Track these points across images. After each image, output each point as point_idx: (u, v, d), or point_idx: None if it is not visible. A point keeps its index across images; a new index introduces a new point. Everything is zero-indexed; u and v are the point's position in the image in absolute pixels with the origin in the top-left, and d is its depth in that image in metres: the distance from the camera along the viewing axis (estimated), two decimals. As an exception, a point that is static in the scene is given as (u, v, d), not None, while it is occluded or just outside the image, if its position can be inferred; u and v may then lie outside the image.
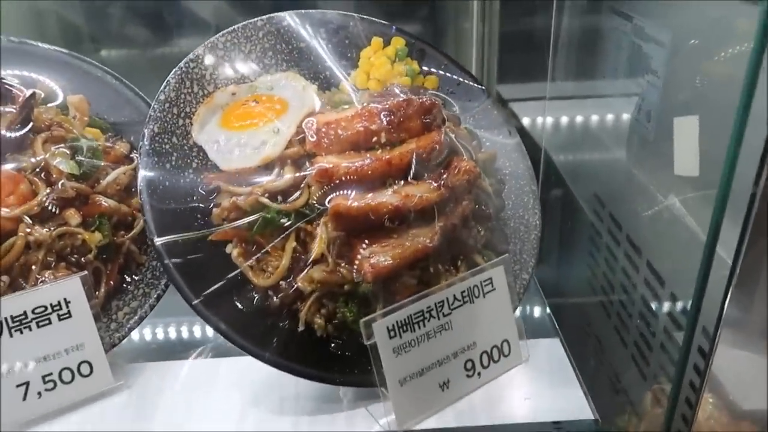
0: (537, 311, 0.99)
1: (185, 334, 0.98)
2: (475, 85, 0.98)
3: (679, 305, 0.79)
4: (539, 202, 0.94)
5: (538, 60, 1.32)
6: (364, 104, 0.79)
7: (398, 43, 0.95)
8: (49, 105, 0.86)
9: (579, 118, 1.26)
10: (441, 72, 0.97)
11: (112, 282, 0.84)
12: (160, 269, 0.87)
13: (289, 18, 0.91)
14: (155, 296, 0.85)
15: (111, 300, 0.84)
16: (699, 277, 0.68)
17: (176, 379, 0.83)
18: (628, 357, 0.94)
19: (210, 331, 0.96)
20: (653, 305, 0.86)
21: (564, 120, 1.26)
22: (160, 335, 0.97)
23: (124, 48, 1.26)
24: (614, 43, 1.03)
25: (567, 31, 1.20)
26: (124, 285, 0.86)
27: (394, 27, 0.97)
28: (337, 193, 0.72)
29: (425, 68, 0.96)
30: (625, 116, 1.05)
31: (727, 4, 0.68)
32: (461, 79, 0.96)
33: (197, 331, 0.97)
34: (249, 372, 0.82)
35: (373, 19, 0.97)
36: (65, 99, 0.89)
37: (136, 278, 0.87)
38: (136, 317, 0.84)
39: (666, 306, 0.83)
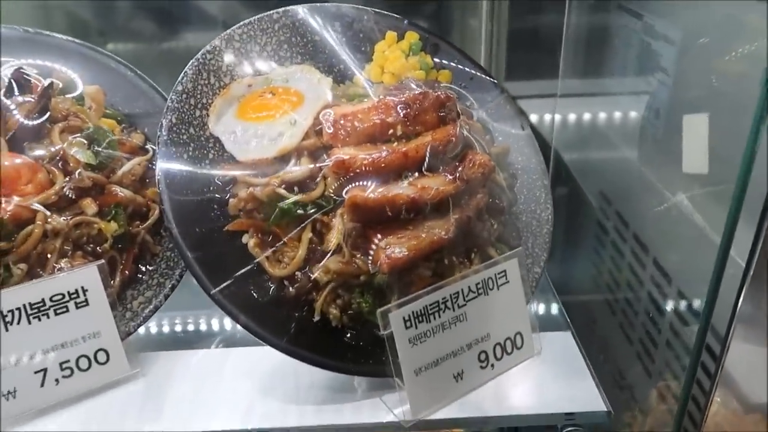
0: (549, 306, 1.00)
1: (191, 327, 0.99)
2: (488, 79, 0.98)
3: (686, 303, 0.79)
4: (551, 197, 0.95)
5: (546, 58, 1.33)
6: (381, 97, 0.80)
7: (412, 37, 0.95)
8: (67, 96, 0.86)
9: (587, 116, 1.27)
10: (454, 66, 0.98)
11: (127, 272, 0.85)
12: (174, 260, 0.88)
13: (304, 11, 0.92)
14: (170, 286, 0.86)
15: (126, 289, 0.85)
16: (713, 277, 0.69)
17: (188, 368, 0.84)
18: (633, 354, 0.95)
19: (217, 324, 0.97)
20: (659, 302, 0.87)
21: (571, 117, 1.27)
22: (166, 328, 0.97)
23: (130, 42, 1.26)
24: (624, 42, 1.04)
25: (577, 30, 1.21)
26: (139, 275, 0.86)
27: (406, 21, 0.98)
28: (354, 185, 0.73)
29: (438, 62, 0.97)
30: (633, 114, 1.06)
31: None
32: (474, 72, 0.97)
33: (204, 324, 0.98)
34: (262, 362, 0.83)
35: (387, 12, 0.98)
36: (82, 89, 0.90)
37: (150, 268, 0.87)
38: (151, 306, 0.84)
39: (672, 303, 0.84)
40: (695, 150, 0.83)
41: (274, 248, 0.75)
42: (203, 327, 0.99)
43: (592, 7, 1.14)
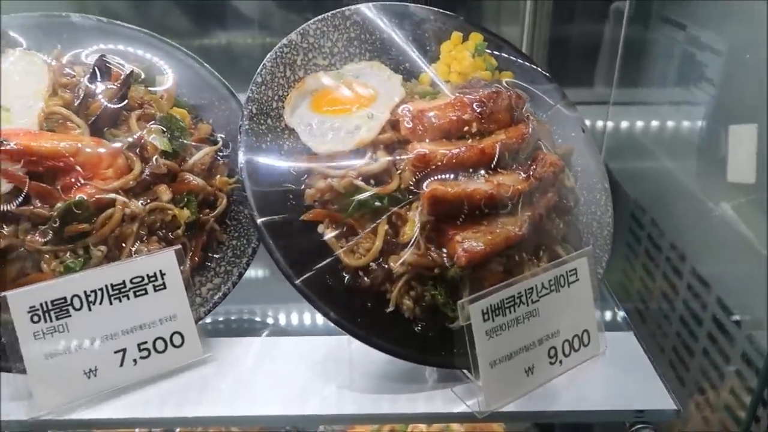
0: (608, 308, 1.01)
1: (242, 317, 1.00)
2: (548, 82, 1.00)
3: (728, 312, 0.80)
4: (611, 199, 0.96)
5: (585, 66, 1.35)
6: (456, 95, 0.81)
7: (477, 38, 0.97)
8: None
9: (624, 124, 1.29)
10: (516, 68, 0.99)
11: (196, 258, 0.86)
12: (241, 248, 0.89)
13: (374, 9, 0.94)
14: (237, 274, 0.87)
15: (194, 276, 0.86)
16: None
17: (253, 353, 0.85)
18: (666, 362, 0.95)
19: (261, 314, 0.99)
20: (697, 311, 0.88)
21: (608, 124, 1.28)
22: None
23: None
24: (668, 52, 1.05)
25: (618, 39, 1.23)
26: (207, 262, 0.88)
27: (462, 19, 0.99)
28: (434, 178, 0.74)
29: (501, 63, 0.98)
30: (670, 123, 1.07)
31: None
32: (534, 69, 0.98)
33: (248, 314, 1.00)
34: (329, 349, 0.84)
35: (451, 13, 0.99)
36: (154, 79, 0.92)
37: (217, 256, 0.89)
38: (220, 293, 0.85)
39: (711, 312, 0.85)
40: (741, 160, 0.84)
41: (353, 240, 0.76)
42: (248, 317, 1.00)
43: (636, 17, 1.16)
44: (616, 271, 1.14)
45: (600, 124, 1.30)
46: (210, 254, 0.88)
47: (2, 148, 0.72)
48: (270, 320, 1.00)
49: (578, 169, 0.96)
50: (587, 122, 1.31)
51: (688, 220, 0.96)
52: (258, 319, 1.01)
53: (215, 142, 0.92)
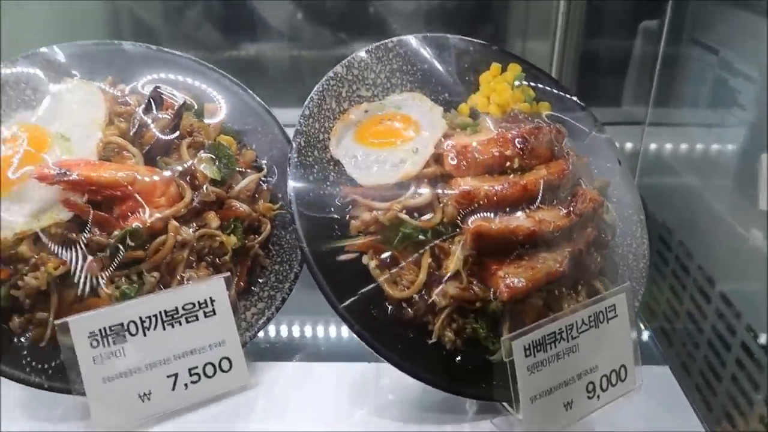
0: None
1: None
2: (584, 111, 1.01)
3: (758, 338, 0.81)
4: (647, 231, 0.97)
5: (610, 85, 1.36)
6: (500, 129, 0.83)
7: (515, 69, 0.98)
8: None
9: (653, 146, 1.30)
10: (551, 97, 1.01)
11: (242, 283, 0.89)
12: (283, 273, 0.92)
13: (415, 41, 0.96)
14: (280, 299, 0.90)
15: (239, 301, 0.88)
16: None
17: (286, 378, 0.87)
18: (693, 386, 0.96)
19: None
20: (725, 336, 0.89)
21: (643, 146, 1.29)
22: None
23: (194, 51, 1.31)
24: (700, 75, 1.06)
25: (646, 59, 1.23)
26: (251, 287, 0.90)
27: (495, 47, 1.01)
28: (479, 215, 0.76)
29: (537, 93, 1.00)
30: (701, 146, 1.08)
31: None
32: (571, 98, 1.00)
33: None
34: (369, 377, 0.87)
35: (487, 43, 1.01)
36: (201, 106, 0.95)
37: (261, 281, 0.91)
38: (264, 318, 0.88)
39: (741, 338, 0.86)
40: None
41: (394, 270, 0.78)
42: (282, 341, 1.02)
43: (672, 41, 1.17)
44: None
45: (629, 145, 1.31)
46: (254, 279, 0.91)
47: (66, 179, 0.75)
48: (303, 344, 1.02)
49: (614, 200, 0.97)
50: (617, 144, 1.33)
51: (718, 244, 0.96)
52: (292, 343, 1.03)
53: (259, 168, 0.95)
